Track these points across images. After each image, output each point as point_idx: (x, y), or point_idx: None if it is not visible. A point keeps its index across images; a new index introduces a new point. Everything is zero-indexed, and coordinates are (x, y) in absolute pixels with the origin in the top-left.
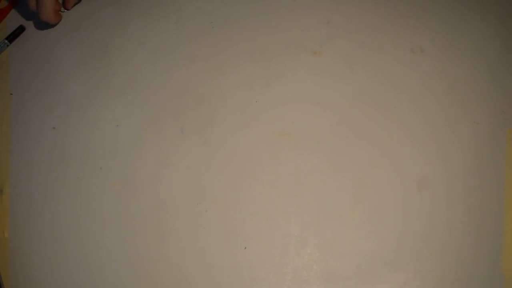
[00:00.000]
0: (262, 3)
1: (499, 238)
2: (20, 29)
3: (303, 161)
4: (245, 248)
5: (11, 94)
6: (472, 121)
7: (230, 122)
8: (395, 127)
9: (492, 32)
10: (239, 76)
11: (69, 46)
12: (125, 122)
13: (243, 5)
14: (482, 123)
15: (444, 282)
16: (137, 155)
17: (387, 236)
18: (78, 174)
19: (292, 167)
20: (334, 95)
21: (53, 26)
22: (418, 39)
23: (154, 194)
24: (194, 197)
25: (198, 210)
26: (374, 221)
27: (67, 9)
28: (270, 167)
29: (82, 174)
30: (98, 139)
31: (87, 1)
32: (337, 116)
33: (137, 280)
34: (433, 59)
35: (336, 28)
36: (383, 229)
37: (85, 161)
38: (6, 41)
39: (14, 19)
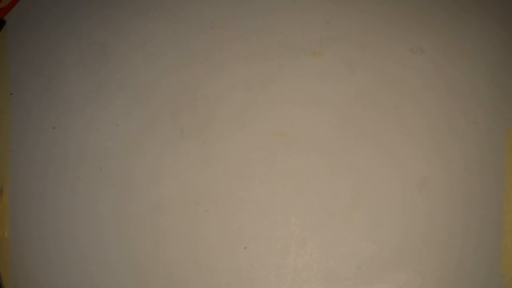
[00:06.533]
0: (262, 3)
1: (499, 239)
2: (1, 23)
3: (303, 161)
4: (245, 248)
5: (11, 94)
6: (472, 121)
7: (229, 122)
8: (395, 128)
9: (492, 33)
10: (238, 76)
11: (69, 47)
12: (125, 122)
13: (242, 5)
14: (481, 124)
15: (444, 282)
16: (136, 155)
17: (387, 236)
18: (78, 174)
19: (292, 168)
20: (334, 95)
21: None
22: (418, 40)
23: (153, 194)
24: (194, 198)
25: (198, 211)
26: (374, 221)
27: None
28: (270, 168)
29: (82, 174)
30: (97, 139)
31: (87, 2)
32: (337, 116)
33: (136, 280)
34: (433, 60)
35: (336, 28)
36: (383, 230)
37: (85, 161)
38: None
39: (15, 15)
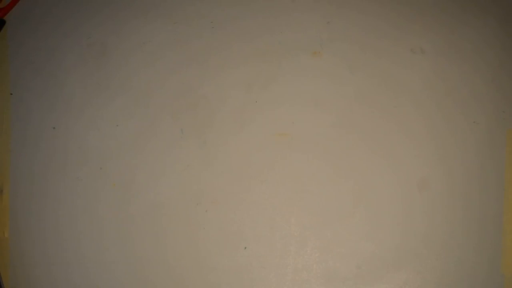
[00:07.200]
0: (262, 3)
1: (499, 238)
2: (1, 23)
3: (303, 161)
4: (245, 248)
5: (11, 94)
6: (472, 121)
7: (230, 122)
8: (395, 128)
9: (491, 34)
10: (238, 76)
11: (69, 47)
12: (125, 123)
13: (242, 5)
14: (481, 124)
15: (444, 282)
16: (137, 155)
17: (387, 236)
18: (78, 174)
19: (292, 168)
20: (334, 95)
21: None
22: (418, 41)
23: (153, 194)
24: (194, 198)
25: (198, 211)
26: (374, 221)
27: None
28: (270, 168)
29: (82, 174)
30: (98, 139)
31: (87, 2)
32: (337, 117)
33: (136, 280)
34: (433, 60)
35: (336, 28)
36: (383, 230)
37: (85, 161)
38: None
39: (15, 15)
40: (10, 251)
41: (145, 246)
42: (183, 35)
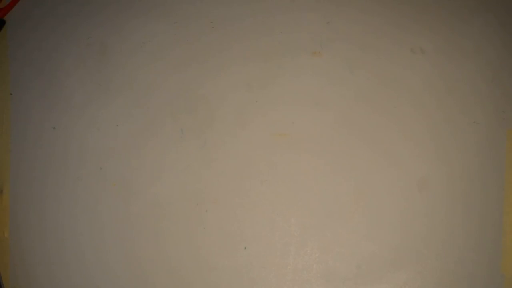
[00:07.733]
0: (262, 3)
1: (499, 239)
2: (1, 23)
3: (303, 161)
4: (245, 248)
5: (11, 94)
6: (472, 121)
7: (230, 122)
8: (395, 128)
9: (492, 33)
10: (238, 76)
11: (69, 47)
12: (125, 123)
13: (242, 5)
14: (482, 124)
15: (444, 282)
16: (137, 155)
17: (387, 236)
18: (78, 174)
19: (292, 168)
20: (334, 95)
21: None
22: (418, 40)
23: (153, 194)
24: (194, 198)
25: (198, 210)
26: (374, 221)
27: None
28: (270, 168)
29: (82, 174)
30: (98, 139)
31: (87, 2)
32: (337, 116)
33: (136, 280)
34: (433, 60)
35: (336, 28)
36: (383, 230)
37: (85, 161)
38: None
39: (15, 15)
40: (10, 251)
41: (145, 246)
42: (183, 35)
